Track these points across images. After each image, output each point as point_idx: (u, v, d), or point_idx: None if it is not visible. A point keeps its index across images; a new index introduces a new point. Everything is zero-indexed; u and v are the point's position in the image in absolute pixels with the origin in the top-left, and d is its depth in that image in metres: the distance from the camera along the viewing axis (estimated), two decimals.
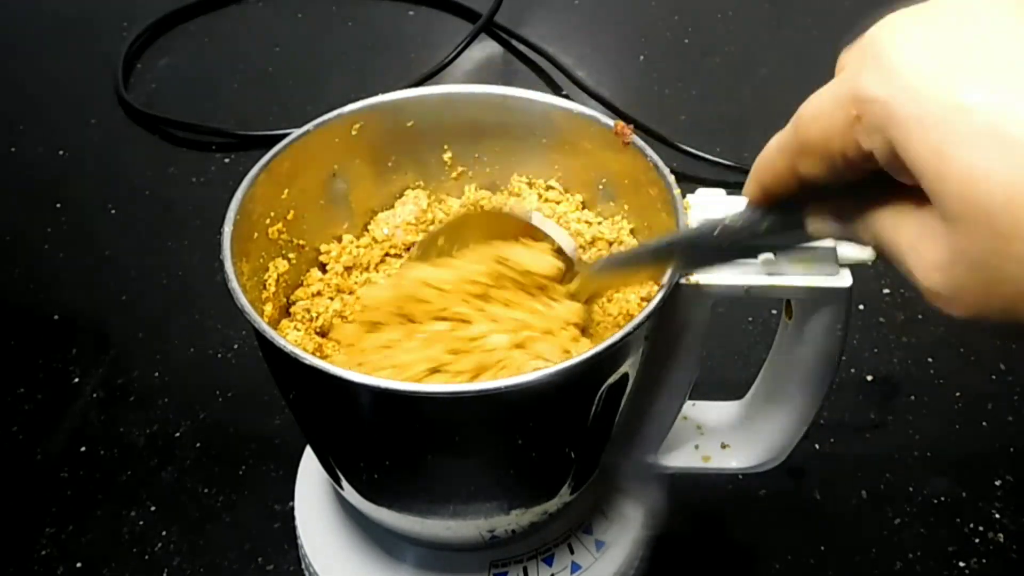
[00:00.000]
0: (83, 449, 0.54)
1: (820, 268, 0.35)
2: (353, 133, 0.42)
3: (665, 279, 0.34)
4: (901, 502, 0.52)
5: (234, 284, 0.34)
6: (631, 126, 0.40)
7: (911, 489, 0.52)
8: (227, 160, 0.73)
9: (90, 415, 0.56)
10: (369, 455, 0.38)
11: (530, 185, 0.45)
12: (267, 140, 0.72)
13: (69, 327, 0.61)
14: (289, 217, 0.41)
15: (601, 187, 0.43)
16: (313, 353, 0.36)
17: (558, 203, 0.44)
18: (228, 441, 0.54)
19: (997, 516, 0.51)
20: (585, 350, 0.32)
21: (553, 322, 0.36)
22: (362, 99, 0.42)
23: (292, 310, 0.41)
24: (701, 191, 0.38)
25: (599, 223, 0.43)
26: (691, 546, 0.50)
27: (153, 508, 0.51)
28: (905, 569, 0.49)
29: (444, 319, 0.36)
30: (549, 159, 0.43)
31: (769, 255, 0.33)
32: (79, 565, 0.49)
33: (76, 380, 0.58)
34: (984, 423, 0.55)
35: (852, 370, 0.58)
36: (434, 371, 0.34)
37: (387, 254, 0.44)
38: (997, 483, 0.52)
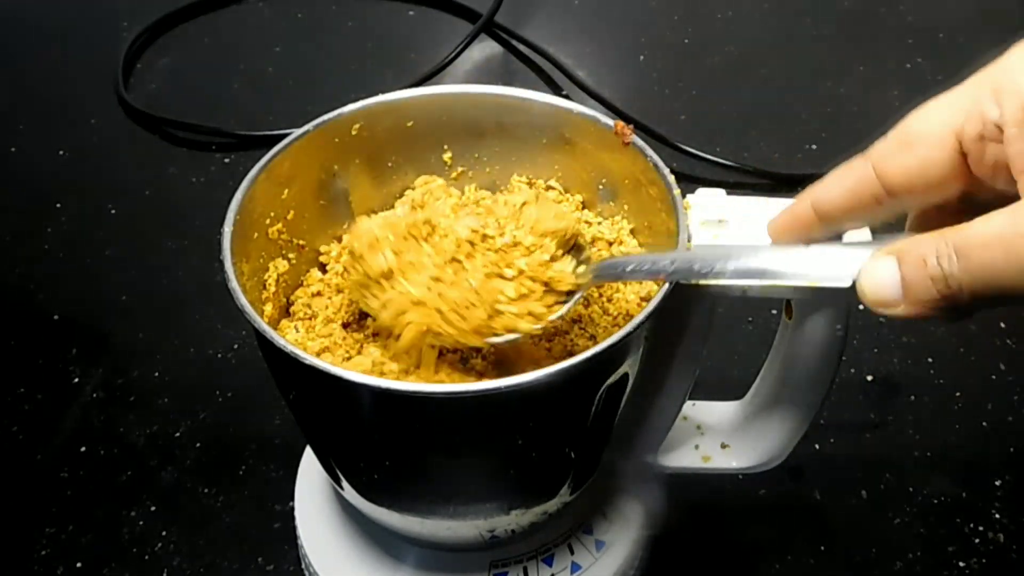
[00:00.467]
0: (83, 449, 0.54)
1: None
2: (353, 133, 0.42)
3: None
4: (901, 502, 0.52)
5: (234, 284, 0.34)
6: (631, 126, 0.40)
7: (911, 489, 0.52)
8: (227, 160, 0.73)
9: (90, 415, 0.56)
10: (369, 455, 0.38)
11: (530, 185, 0.45)
12: (267, 140, 0.72)
13: (69, 327, 0.61)
14: (289, 217, 0.41)
15: (601, 187, 0.43)
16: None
17: (558, 203, 0.44)
18: (228, 441, 0.54)
19: (997, 516, 0.51)
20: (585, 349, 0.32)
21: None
22: (362, 99, 0.42)
23: (292, 310, 0.41)
24: (701, 191, 0.38)
25: (599, 223, 0.43)
26: (691, 546, 0.50)
27: (153, 508, 0.51)
28: (905, 569, 0.49)
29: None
30: (549, 159, 0.43)
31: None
32: (79, 565, 0.49)
33: (76, 380, 0.58)
34: (984, 423, 0.55)
35: (852, 370, 0.58)
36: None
37: None
38: (997, 483, 0.52)
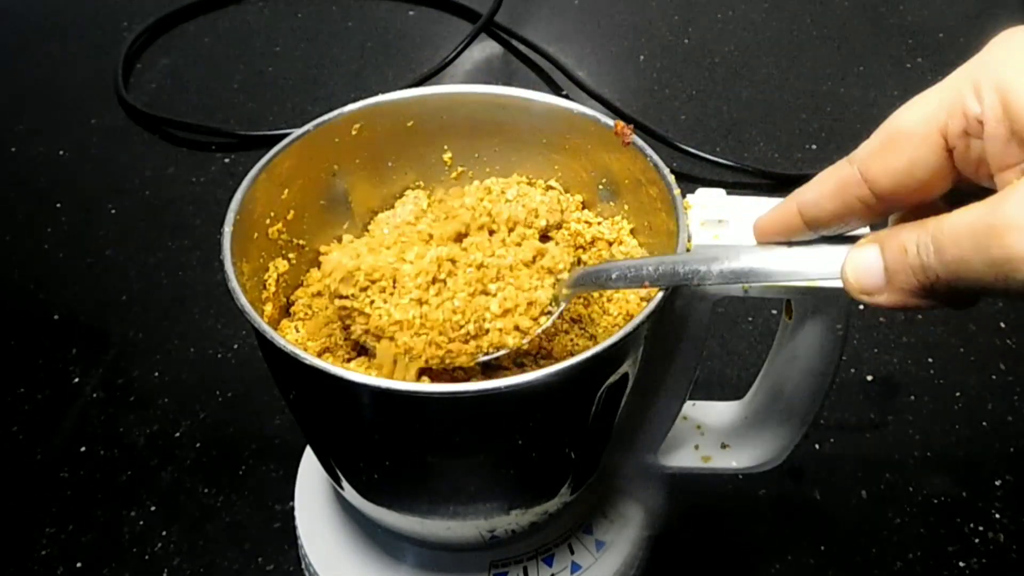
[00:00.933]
0: (83, 449, 0.54)
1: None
2: (353, 133, 0.42)
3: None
4: (901, 502, 0.52)
5: (234, 284, 0.34)
6: (631, 126, 0.40)
7: (911, 489, 0.52)
8: (227, 160, 0.73)
9: (90, 415, 0.56)
10: (369, 455, 0.38)
11: (530, 185, 0.45)
12: (267, 140, 0.72)
13: (69, 327, 0.61)
14: (289, 217, 0.41)
15: (601, 187, 0.43)
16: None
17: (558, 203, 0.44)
18: (228, 441, 0.54)
19: (997, 516, 0.51)
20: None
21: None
22: (362, 99, 0.42)
23: (292, 310, 0.41)
24: (701, 191, 0.38)
25: (599, 223, 0.43)
26: (691, 546, 0.50)
27: (153, 508, 0.51)
28: (905, 569, 0.49)
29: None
30: (549, 159, 0.43)
31: None
32: (79, 565, 0.49)
33: (76, 380, 0.58)
34: (984, 423, 0.55)
35: (852, 370, 0.58)
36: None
37: None
38: (997, 483, 0.52)
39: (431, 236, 0.39)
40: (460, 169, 0.45)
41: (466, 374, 0.38)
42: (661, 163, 0.39)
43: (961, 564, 0.49)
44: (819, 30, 0.89)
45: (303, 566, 0.47)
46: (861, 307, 0.64)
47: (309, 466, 0.49)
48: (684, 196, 0.38)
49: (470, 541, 0.42)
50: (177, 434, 0.55)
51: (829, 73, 0.83)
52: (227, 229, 0.36)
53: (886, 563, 0.49)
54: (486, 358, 0.36)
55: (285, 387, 0.37)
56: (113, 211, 0.69)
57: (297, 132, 0.40)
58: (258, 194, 0.38)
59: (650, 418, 0.42)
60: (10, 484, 0.53)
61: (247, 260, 0.37)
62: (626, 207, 0.42)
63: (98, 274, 0.65)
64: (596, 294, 0.41)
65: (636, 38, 0.88)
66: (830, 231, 0.31)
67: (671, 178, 0.38)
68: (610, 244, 0.43)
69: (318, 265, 0.43)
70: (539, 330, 0.36)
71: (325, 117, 0.41)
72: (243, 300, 0.33)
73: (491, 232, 0.40)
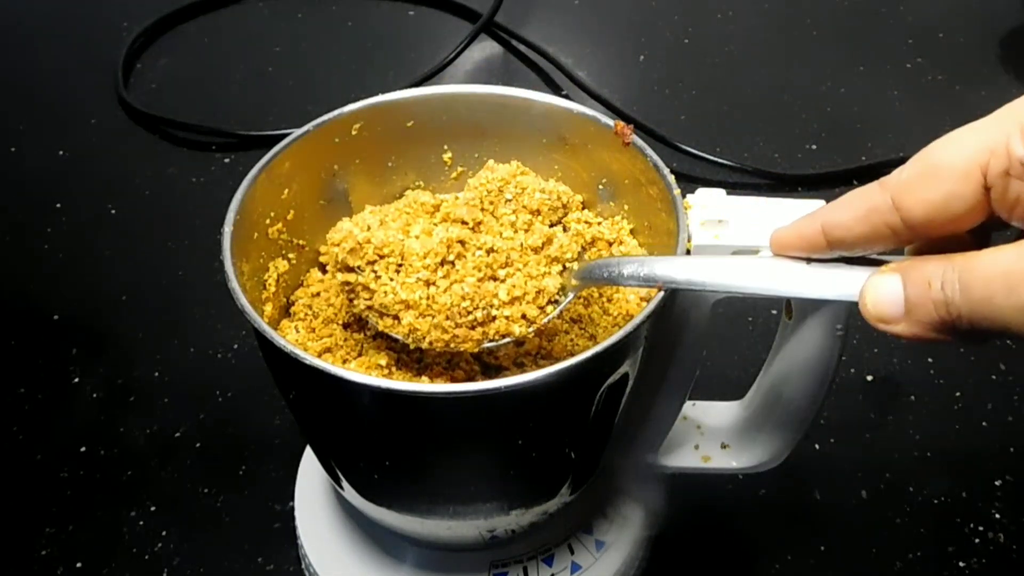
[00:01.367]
0: (83, 449, 0.54)
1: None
2: (353, 133, 0.42)
3: None
4: (901, 502, 0.52)
5: (234, 284, 0.34)
6: (631, 126, 0.40)
7: (911, 489, 0.52)
8: (227, 160, 0.73)
9: (90, 415, 0.56)
10: (369, 455, 0.38)
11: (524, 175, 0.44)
12: (267, 140, 0.72)
13: (69, 327, 0.61)
14: (289, 217, 0.41)
15: (601, 187, 0.43)
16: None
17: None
18: (228, 441, 0.54)
19: (997, 516, 0.51)
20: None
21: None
22: (362, 99, 0.41)
23: (292, 310, 0.41)
24: (701, 191, 0.38)
25: (599, 223, 0.43)
26: (691, 546, 0.50)
27: (153, 508, 0.51)
28: (905, 569, 0.49)
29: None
30: (549, 159, 0.43)
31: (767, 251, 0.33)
32: (79, 565, 0.49)
33: (76, 380, 0.58)
34: (984, 423, 0.55)
35: (852, 370, 0.58)
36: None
37: None
38: (997, 483, 0.52)
39: (436, 208, 0.39)
40: (460, 169, 0.45)
41: (466, 374, 0.38)
42: (661, 163, 0.39)
43: (961, 564, 0.49)
44: (819, 30, 0.89)
45: (303, 566, 0.47)
46: None
47: (309, 466, 0.49)
48: (684, 196, 0.38)
49: (470, 541, 0.42)
50: (177, 434, 0.55)
51: (829, 73, 0.83)
52: (227, 229, 0.36)
53: (886, 563, 0.49)
54: (491, 345, 0.36)
55: (285, 387, 0.37)
56: (113, 211, 0.69)
57: (297, 132, 0.40)
58: (258, 194, 0.38)
59: (650, 418, 0.42)
60: (10, 484, 0.53)
61: (247, 260, 0.37)
62: (626, 207, 0.42)
63: (98, 274, 0.65)
64: (596, 294, 0.41)
65: (636, 38, 0.88)
66: (851, 253, 0.31)
67: (671, 178, 0.38)
68: (610, 244, 0.43)
69: (318, 265, 0.43)
70: (546, 319, 0.36)
71: (325, 117, 0.41)
72: (243, 300, 0.33)
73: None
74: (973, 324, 0.25)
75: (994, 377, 0.58)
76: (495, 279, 0.36)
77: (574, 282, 0.36)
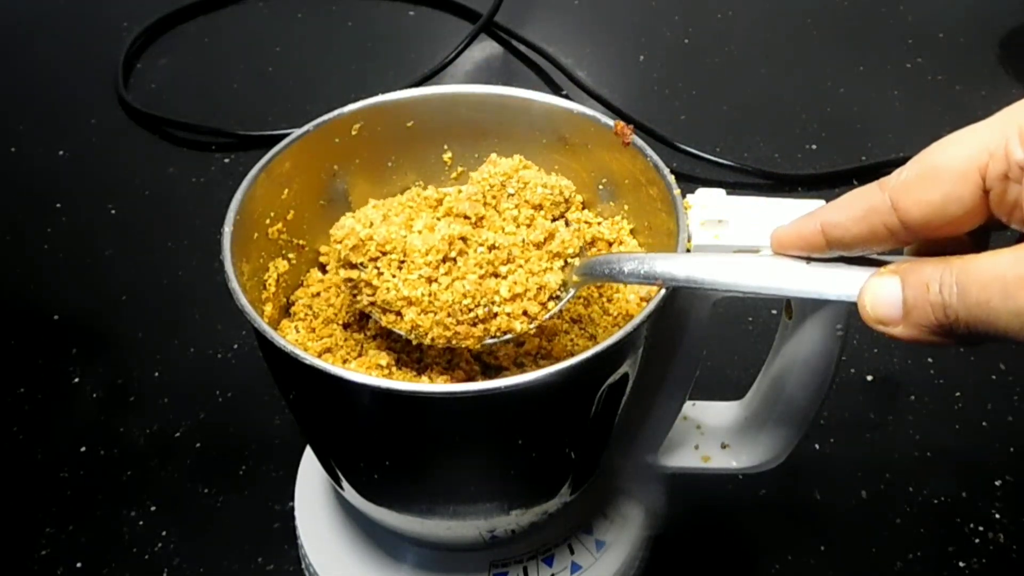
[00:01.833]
0: (83, 449, 0.54)
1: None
2: (353, 133, 0.42)
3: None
4: (901, 502, 0.52)
5: (234, 284, 0.34)
6: (631, 126, 0.40)
7: (911, 489, 0.52)
8: (227, 160, 0.73)
9: (90, 415, 0.56)
10: (369, 455, 0.38)
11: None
12: (267, 140, 0.72)
13: (69, 327, 0.61)
14: (289, 217, 0.41)
15: (601, 187, 0.43)
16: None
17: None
18: (228, 441, 0.54)
19: (997, 516, 0.51)
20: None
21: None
22: (362, 99, 0.41)
23: (292, 310, 0.41)
24: (701, 191, 0.38)
25: (599, 223, 0.43)
26: (691, 546, 0.50)
27: (153, 508, 0.51)
28: (905, 569, 0.49)
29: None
30: (549, 159, 0.43)
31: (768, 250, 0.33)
32: (79, 565, 0.49)
33: (76, 380, 0.58)
34: (984, 423, 0.55)
35: (852, 370, 0.58)
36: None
37: None
38: (997, 483, 0.52)
39: (439, 202, 0.39)
40: (460, 169, 0.45)
41: (466, 374, 0.38)
42: (661, 163, 0.39)
43: (961, 564, 0.49)
44: (819, 30, 0.89)
45: (303, 566, 0.47)
46: None
47: (309, 466, 0.49)
48: (684, 196, 0.38)
49: (470, 541, 0.42)
50: (177, 434, 0.55)
51: (829, 73, 0.83)
52: (227, 229, 0.36)
53: (886, 563, 0.49)
54: (493, 341, 0.36)
55: (285, 387, 0.37)
56: (113, 211, 0.69)
57: (297, 132, 0.40)
58: (258, 194, 0.38)
59: (650, 418, 0.42)
60: (10, 484, 0.53)
61: (247, 260, 0.37)
62: (626, 207, 0.42)
63: (98, 274, 0.65)
64: (596, 294, 0.41)
65: (636, 38, 0.88)
66: (850, 253, 0.31)
67: (671, 178, 0.38)
68: (610, 244, 0.43)
69: (318, 265, 0.43)
70: (547, 315, 0.36)
71: (325, 117, 0.41)
72: (243, 300, 0.33)
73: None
74: (970, 328, 0.25)
75: (994, 377, 0.58)
76: (496, 276, 0.36)
77: (575, 278, 0.36)
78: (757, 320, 0.61)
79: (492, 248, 0.36)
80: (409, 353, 0.38)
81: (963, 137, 0.27)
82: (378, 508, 0.40)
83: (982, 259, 0.25)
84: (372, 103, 0.42)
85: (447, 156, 0.44)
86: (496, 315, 0.35)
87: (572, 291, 0.36)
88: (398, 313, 0.35)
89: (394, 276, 0.35)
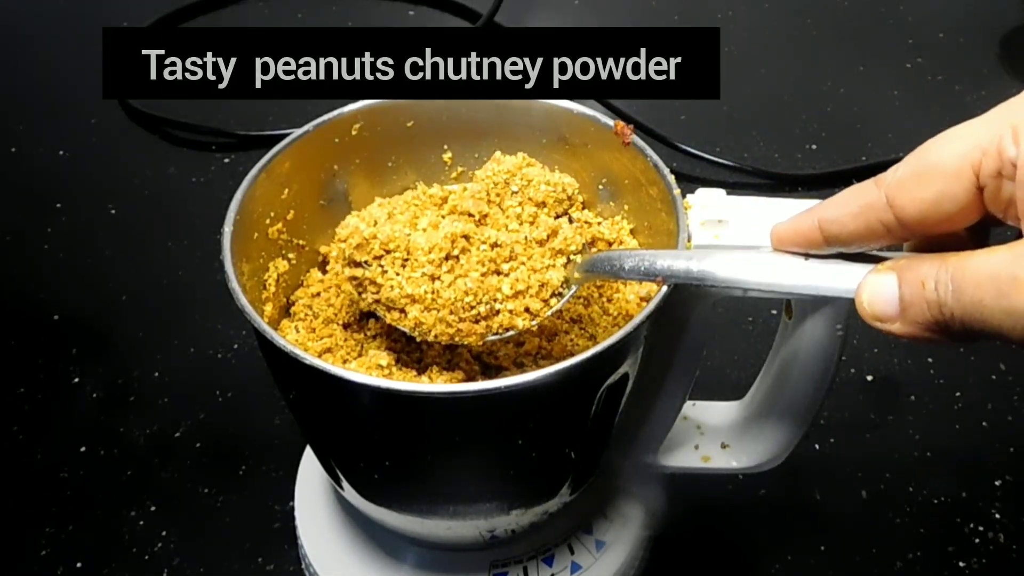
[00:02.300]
0: (83, 449, 0.54)
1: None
2: (353, 133, 0.42)
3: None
4: (901, 502, 0.52)
5: (234, 284, 0.34)
6: (631, 126, 0.40)
7: (911, 489, 0.52)
8: (227, 160, 0.73)
9: (90, 415, 0.56)
10: (369, 455, 0.38)
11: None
12: (267, 140, 0.72)
13: (69, 327, 0.61)
14: (289, 217, 0.41)
15: (601, 187, 0.43)
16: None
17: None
18: (228, 441, 0.54)
19: (997, 516, 0.51)
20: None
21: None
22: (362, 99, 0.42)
23: (292, 310, 0.41)
24: (701, 191, 0.38)
25: (599, 223, 0.43)
26: (691, 546, 0.50)
27: (153, 508, 0.51)
28: (905, 569, 0.49)
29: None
30: (549, 159, 0.43)
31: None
32: (79, 565, 0.49)
33: (76, 380, 0.58)
34: (984, 423, 0.55)
35: (852, 370, 0.58)
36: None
37: None
38: (997, 483, 0.52)
39: (444, 200, 0.39)
40: (460, 169, 0.45)
41: (466, 374, 0.38)
42: (661, 163, 0.39)
43: (961, 564, 0.49)
44: (819, 30, 0.89)
45: (303, 566, 0.47)
46: None
47: (309, 466, 0.49)
48: (684, 196, 0.38)
49: (470, 541, 0.42)
50: (177, 434, 0.55)
51: (829, 73, 0.83)
52: (227, 229, 0.36)
53: (886, 563, 0.49)
54: (495, 338, 0.36)
55: (285, 387, 0.37)
56: (113, 211, 0.69)
57: (297, 132, 0.40)
58: (258, 194, 0.38)
59: (650, 418, 0.42)
60: (10, 484, 0.53)
61: (247, 260, 0.37)
62: (626, 207, 0.42)
63: (98, 274, 0.65)
64: (596, 294, 0.41)
65: None
66: (848, 249, 0.31)
67: (671, 178, 0.38)
68: (610, 244, 0.43)
69: (319, 265, 0.43)
70: (549, 312, 0.36)
71: (325, 117, 0.41)
72: (243, 300, 0.33)
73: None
74: (965, 326, 0.25)
75: (994, 377, 0.58)
76: (499, 273, 0.36)
77: (577, 275, 0.36)
78: (757, 320, 0.61)
79: (494, 246, 0.36)
80: (409, 353, 0.39)
81: (957, 134, 0.27)
82: (378, 508, 0.40)
83: (977, 257, 0.25)
84: (372, 103, 0.42)
85: (447, 156, 0.44)
86: (498, 312, 0.35)
87: (574, 288, 0.36)
88: (402, 311, 0.35)
89: (398, 274, 0.35)
